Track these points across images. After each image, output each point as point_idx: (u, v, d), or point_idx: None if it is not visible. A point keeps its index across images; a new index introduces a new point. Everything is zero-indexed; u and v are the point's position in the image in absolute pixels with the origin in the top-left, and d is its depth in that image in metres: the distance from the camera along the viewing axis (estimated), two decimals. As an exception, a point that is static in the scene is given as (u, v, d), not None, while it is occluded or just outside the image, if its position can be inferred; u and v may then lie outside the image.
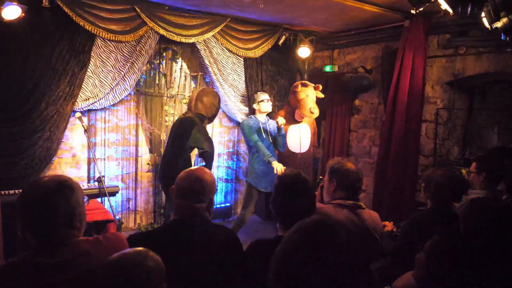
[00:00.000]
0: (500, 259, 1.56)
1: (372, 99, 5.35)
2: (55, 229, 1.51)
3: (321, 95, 5.03)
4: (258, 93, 4.64)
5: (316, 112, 4.83)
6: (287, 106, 5.13)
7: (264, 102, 4.51)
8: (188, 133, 4.14)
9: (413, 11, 2.62)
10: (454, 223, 2.17)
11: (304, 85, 4.97)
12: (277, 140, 4.52)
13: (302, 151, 5.02)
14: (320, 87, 4.99)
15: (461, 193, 2.53)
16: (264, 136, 4.43)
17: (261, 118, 4.54)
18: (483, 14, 2.91)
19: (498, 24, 2.87)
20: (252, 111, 4.70)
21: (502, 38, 2.99)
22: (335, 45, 5.74)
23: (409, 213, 3.52)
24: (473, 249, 1.36)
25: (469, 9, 2.76)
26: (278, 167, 4.12)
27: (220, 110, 5.56)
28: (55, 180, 1.56)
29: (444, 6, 2.61)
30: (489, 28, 2.92)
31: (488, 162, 2.91)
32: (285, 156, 5.03)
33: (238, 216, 4.57)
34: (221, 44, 5.08)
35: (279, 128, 4.45)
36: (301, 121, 5.05)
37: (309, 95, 4.89)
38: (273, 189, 1.89)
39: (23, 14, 3.59)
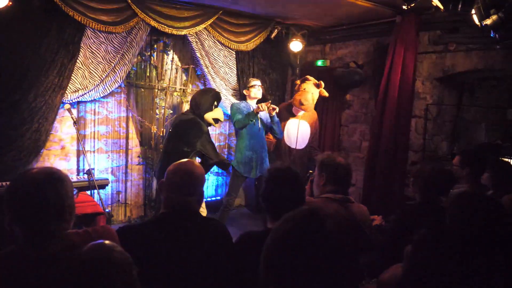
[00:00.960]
0: (485, 252, 1.59)
1: (363, 94, 5.37)
2: (44, 221, 1.49)
3: (325, 94, 4.95)
4: (250, 78, 4.63)
5: (306, 104, 4.80)
6: (291, 100, 5.11)
7: (255, 88, 4.51)
8: (197, 136, 4.11)
9: (404, 7, 2.63)
10: (442, 217, 2.20)
11: (304, 79, 4.96)
12: (273, 129, 4.53)
13: (297, 147, 4.98)
14: (322, 84, 4.90)
15: (448, 187, 2.57)
16: (253, 121, 4.39)
17: (252, 104, 4.54)
18: (473, 11, 2.95)
19: (488, 21, 2.90)
20: (243, 97, 4.69)
21: (492, 35, 3.03)
22: (327, 39, 5.74)
23: (398, 207, 3.57)
24: (460, 242, 1.39)
25: (459, 6, 2.78)
26: (262, 105, 4.20)
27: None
28: (44, 171, 1.55)
29: (436, 2, 2.63)
30: (479, 25, 2.95)
31: (470, 156, 2.96)
32: (280, 151, 5.04)
33: (223, 203, 4.55)
34: (213, 36, 5.05)
35: (271, 117, 4.45)
36: (301, 117, 4.99)
37: (307, 89, 4.85)
38: (263, 181, 1.89)
39: (10, 3, 3.53)
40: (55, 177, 1.54)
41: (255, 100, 4.58)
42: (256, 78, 4.65)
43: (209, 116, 4.23)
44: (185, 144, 4.04)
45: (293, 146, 4.97)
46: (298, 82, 4.97)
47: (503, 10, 2.81)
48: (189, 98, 4.94)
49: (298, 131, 4.90)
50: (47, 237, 1.49)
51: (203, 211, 4.19)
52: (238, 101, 4.69)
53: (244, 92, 4.59)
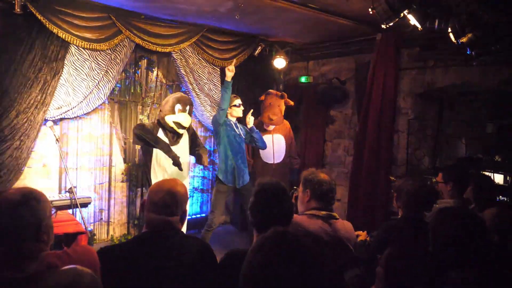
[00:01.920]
0: (467, 266, 1.60)
1: (346, 109, 5.43)
2: (21, 242, 1.46)
3: (291, 102, 5.11)
4: (231, 96, 4.53)
5: (275, 119, 4.89)
6: (260, 117, 5.18)
7: (237, 107, 4.50)
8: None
9: (383, 26, 2.68)
10: (424, 232, 2.21)
11: (267, 93, 5.15)
12: (255, 140, 4.53)
13: (275, 162, 5.04)
14: (286, 95, 5.09)
15: (431, 202, 2.59)
16: (234, 134, 4.38)
17: (233, 120, 4.53)
18: (449, 30, 3.03)
19: (464, 39, 2.99)
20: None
21: (468, 53, 3.11)
22: (310, 56, 5.82)
23: (382, 222, 3.57)
24: (435, 258, 1.40)
25: (436, 24, 2.85)
26: (249, 119, 4.41)
27: (196, 120, 5.53)
28: (20, 192, 1.52)
29: (413, 21, 2.69)
30: (456, 43, 3.03)
31: (453, 172, 2.99)
32: (260, 167, 5.05)
33: (207, 222, 4.47)
34: (197, 53, 5.07)
35: (251, 129, 4.48)
36: (273, 131, 5.08)
37: (272, 103, 5.03)
38: (252, 194, 1.87)
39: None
40: (31, 197, 1.51)
41: (234, 119, 4.54)
42: (237, 96, 4.60)
43: (169, 119, 4.04)
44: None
45: (271, 162, 5.01)
46: (262, 97, 5.11)
47: (477, 29, 2.90)
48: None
49: (273, 146, 4.96)
50: (24, 258, 1.46)
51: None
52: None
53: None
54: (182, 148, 4.26)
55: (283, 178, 5.11)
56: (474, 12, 2.90)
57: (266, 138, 4.99)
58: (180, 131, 4.16)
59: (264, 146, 4.66)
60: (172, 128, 4.10)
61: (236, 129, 4.45)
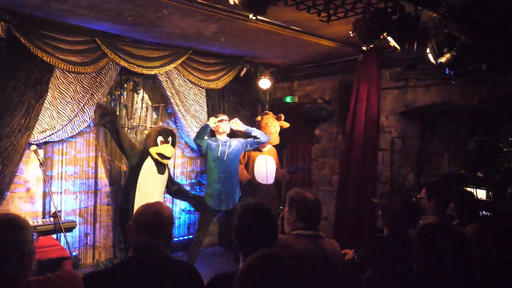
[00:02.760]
0: (450, 281, 1.63)
1: (331, 128, 5.51)
2: (3, 269, 1.45)
3: (286, 125, 5.20)
4: (218, 116, 4.61)
5: (272, 138, 4.95)
6: None
7: (222, 123, 4.51)
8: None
9: (364, 48, 2.76)
10: (409, 249, 2.23)
11: (264, 114, 5.25)
12: (257, 138, 4.58)
13: (268, 183, 5.07)
14: (283, 116, 5.17)
15: (415, 219, 2.62)
16: (219, 154, 4.41)
17: (222, 138, 4.56)
18: (428, 51, 3.13)
19: (442, 59, 3.08)
20: (213, 134, 4.70)
21: (447, 72, 3.21)
22: (294, 76, 5.92)
23: (369, 240, 3.59)
24: (419, 275, 1.42)
25: (415, 45, 2.95)
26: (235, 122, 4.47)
27: (183, 141, 5.53)
28: (2, 218, 1.51)
29: (393, 43, 2.78)
30: (434, 63, 3.13)
31: (436, 188, 3.05)
32: (253, 187, 5.07)
33: (193, 239, 4.52)
34: (183, 75, 5.11)
35: (246, 130, 4.56)
36: (266, 153, 5.13)
37: (268, 123, 5.11)
38: (236, 217, 1.87)
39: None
40: (12, 223, 1.51)
41: (224, 135, 4.58)
42: (223, 114, 4.67)
43: (153, 151, 4.28)
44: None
45: (264, 182, 5.02)
46: (259, 118, 5.22)
47: (455, 49, 3.00)
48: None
49: (266, 166, 4.99)
50: (7, 285, 1.44)
51: None
52: (209, 139, 4.68)
53: (213, 128, 4.57)
54: (164, 180, 4.48)
55: (272, 199, 5.13)
56: (451, 33, 3.01)
57: (260, 158, 5.04)
58: (165, 161, 4.36)
59: (267, 139, 4.72)
60: (156, 159, 4.29)
61: (224, 147, 4.45)
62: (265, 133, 4.88)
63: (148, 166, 4.29)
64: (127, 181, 4.51)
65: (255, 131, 4.59)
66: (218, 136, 4.57)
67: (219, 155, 4.42)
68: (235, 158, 4.51)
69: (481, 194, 4.18)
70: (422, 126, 5.06)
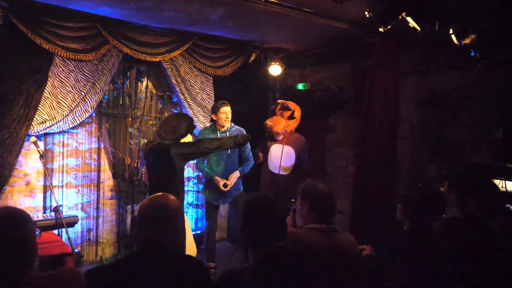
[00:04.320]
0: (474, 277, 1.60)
1: (346, 117, 5.46)
2: (5, 265, 1.47)
3: (291, 104, 5.09)
4: (218, 101, 4.42)
5: (273, 127, 4.87)
6: None
7: (223, 114, 4.34)
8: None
9: (381, 29, 2.71)
10: (431, 244, 2.20)
11: (276, 103, 5.16)
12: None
13: (281, 173, 4.98)
14: (288, 104, 5.04)
15: (439, 212, 2.58)
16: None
17: (222, 128, 4.42)
18: (451, 31, 3.06)
19: (467, 41, 3.02)
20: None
21: (472, 54, 3.14)
22: (306, 62, 5.86)
23: (388, 235, 3.56)
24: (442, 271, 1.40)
25: (436, 26, 2.89)
26: (220, 182, 4.26)
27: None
28: (5, 211, 1.53)
29: (412, 23, 2.72)
30: (458, 44, 3.06)
31: (459, 180, 2.99)
32: (267, 176, 5.04)
33: (208, 227, 4.65)
34: (189, 62, 5.09)
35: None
36: (284, 142, 5.03)
37: (278, 113, 5.06)
38: (241, 215, 1.90)
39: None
40: (15, 217, 1.52)
41: (225, 129, 4.39)
42: (226, 103, 4.40)
43: (183, 141, 4.10)
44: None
45: (276, 172, 4.97)
46: (272, 107, 5.18)
47: (480, 30, 2.93)
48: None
49: (281, 157, 4.91)
50: (8, 281, 1.46)
51: (191, 248, 4.04)
52: (206, 127, 4.60)
53: (213, 116, 4.45)
54: None
55: (287, 192, 4.98)
56: (476, 12, 2.94)
57: (276, 147, 4.97)
58: None
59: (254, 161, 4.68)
60: None
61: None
62: (267, 122, 4.86)
63: None
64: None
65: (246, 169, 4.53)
66: (217, 126, 4.44)
67: None
68: (234, 150, 4.46)
69: (511, 186, 4.10)
70: (444, 113, 4.98)
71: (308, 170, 5.22)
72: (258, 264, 1.17)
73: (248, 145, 4.52)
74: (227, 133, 4.38)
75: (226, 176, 4.37)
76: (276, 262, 1.18)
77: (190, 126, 4.11)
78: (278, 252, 1.22)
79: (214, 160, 4.42)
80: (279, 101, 5.18)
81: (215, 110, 4.40)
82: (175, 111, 5.34)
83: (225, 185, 4.29)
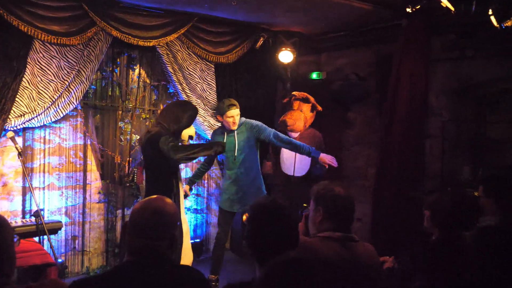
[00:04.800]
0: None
1: (367, 111, 5.45)
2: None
3: (318, 107, 5.09)
4: (225, 101, 4.35)
5: (293, 125, 4.89)
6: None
7: (231, 119, 4.29)
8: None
9: (408, 10, 2.71)
10: (464, 257, 2.21)
11: (291, 96, 5.18)
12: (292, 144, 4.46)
13: (296, 175, 4.99)
14: (311, 98, 5.04)
15: (472, 220, 2.59)
16: (231, 153, 4.33)
17: (228, 134, 4.41)
18: (490, 12, 3.05)
19: (508, 23, 3.00)
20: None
21: (513, 39, 3.13)
22: (322, 48, 5.86)
23: (413, 245, 3.57)
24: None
25: (473, 6, 2.88)
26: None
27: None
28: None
29: (445, 3, 2.72)
30: (499, 27, 3.05)
31: (497, 184, 2.98)
32: (281, 178, 5.05)
33: (216, 236, 4.61)
34: (187, 47, 5.12)
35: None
36: (298, 139, 5.04)
37: (295, 107, 5.06)
38: (246, 221, 1.89)
39: None
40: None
41: (233, 131, 4.35)
42: (235, 104, 4.31)
43: (185, 133, 4.17)
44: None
45: (290, 174, 4.98)
46: (286, 100, 5.17)
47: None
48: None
49: (295, 156, 4.91)
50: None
51: (188, 255, 4.07)
52: (218, 127, 4.62)
53: (218, 117, 4.45)
54: None
55: (302, 196, 4.99)
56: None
57: None
58: (190, 141, 4.33)
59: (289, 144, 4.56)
60: (182, 140, 4.21)
61: (232, 139, 4.35)
62: (284, 119, 4.88)
63: None
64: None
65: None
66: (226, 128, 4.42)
67: (228, 149, 4.31)
68: (249, 150, 4.45)
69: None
70: (481, 108, 4.96)
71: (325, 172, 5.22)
72: (264, 278, 1.18)
73: (266, 128, 4.42)
74: (234, 133, 4.37)
75: (237, 182, 4.36)
76: (285, 276, 1.19)
77: (193, 117, 4.13)
78: (287, 265, 1.23)
79: (226, 174, 4.48)
80: (295, 93, 5.15)
81: (221, 111, 4.35)
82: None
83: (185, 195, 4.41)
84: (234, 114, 4.30)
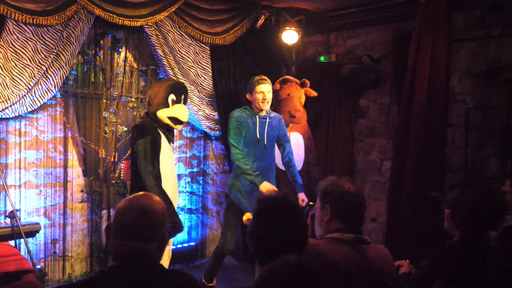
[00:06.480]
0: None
1: (382, 97, 5.45)
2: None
3: (313, 93, 5.17)
4: (255, 78, 4.40)
5: (298, 116, 4.93)
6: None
7: (260, 95, 4.31)
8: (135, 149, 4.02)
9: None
10: (489, 260, 2.21)
11: (284, 81, 5.20)
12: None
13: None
14: (308, 83, 5.12)
15: (499, 220, 2.59)
16: (258, 136, 4.33)
17: (261, 111, 4.40)
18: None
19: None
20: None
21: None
22: (331, 27, 5.84)
23: (432, 248, 3.58)
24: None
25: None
26: (266, 190, 3.94)
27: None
28: None
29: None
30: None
31: None
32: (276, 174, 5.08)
33: (217, 246, 4.55)
34: (179, 27, 5.11)
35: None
36: (290, 129, 5.11)
37: (292, 94, 5.12)
38: (252, 215, 1.89)
39: None
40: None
41: (264, 113, 4.38)
42: (265, 79, 4.36)
43: (163, 114, 4.08)
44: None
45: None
46: (277, 86, 5.11)
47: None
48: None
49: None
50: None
51: (165, 260, 4.12)
52: (240, 109, 4.48)
53: (247, 96, 4.48)
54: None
55: (314, 190, 5.12)
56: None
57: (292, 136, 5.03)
58: (177, 127, 4.26)
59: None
60: (167, 125, 4.14)
61: (263, 126, 4.36)
62: (290, 110, 4.90)
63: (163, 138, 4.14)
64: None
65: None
66: (255, 109, 4.41)
67: (258, 137, 4.34)
68: (274, 141, 4.50)
69: None
70: (510, 93, 4.96)
71: (314, 162, 5.31)
72: (262, 282, 1.19)
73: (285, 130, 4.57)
74: (267, 119, 4.39)
75: (262, 174, 4.27)
76: (285, 281, 1.20)
77: (170, 91, 4.10)
78: (287, 272, 1.23)
79: (249, 154, 4.33)
80: (287, 77, 5.22)
81: (250, 87, 4.38)
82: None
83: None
84: (264, 90, 4.31)
